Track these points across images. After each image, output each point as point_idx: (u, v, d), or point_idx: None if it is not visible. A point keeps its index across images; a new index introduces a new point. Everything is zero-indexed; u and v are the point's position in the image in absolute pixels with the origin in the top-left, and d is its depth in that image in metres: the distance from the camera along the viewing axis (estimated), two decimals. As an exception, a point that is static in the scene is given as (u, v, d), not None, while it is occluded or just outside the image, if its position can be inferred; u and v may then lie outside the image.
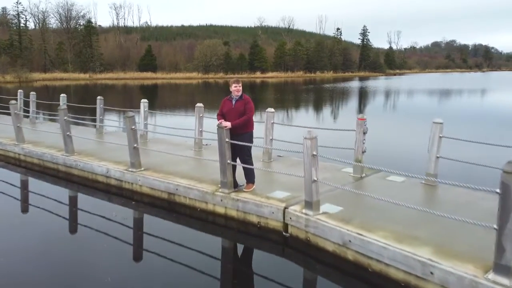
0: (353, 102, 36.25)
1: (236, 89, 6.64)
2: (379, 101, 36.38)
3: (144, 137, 11.53)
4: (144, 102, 11.62)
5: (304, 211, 5.78)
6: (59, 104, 14.42)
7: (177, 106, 31.61)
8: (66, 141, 9.57)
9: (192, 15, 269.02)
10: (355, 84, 67.40)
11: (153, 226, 6.89)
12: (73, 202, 8.31)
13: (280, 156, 9.54)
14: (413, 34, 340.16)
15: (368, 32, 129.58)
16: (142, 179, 7.97)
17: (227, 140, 6.59)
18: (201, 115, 10.32)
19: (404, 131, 18.29)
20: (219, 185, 6.98)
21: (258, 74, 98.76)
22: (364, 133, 7.72)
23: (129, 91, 54.15)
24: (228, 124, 6.54)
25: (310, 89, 55.14)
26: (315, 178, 5.60)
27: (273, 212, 6.14)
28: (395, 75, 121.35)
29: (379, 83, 72.81)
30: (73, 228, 6.88)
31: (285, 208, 6.06)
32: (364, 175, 7.81)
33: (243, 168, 6.86)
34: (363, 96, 43.15)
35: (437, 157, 7.23)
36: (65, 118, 9.41)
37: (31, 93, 15.59)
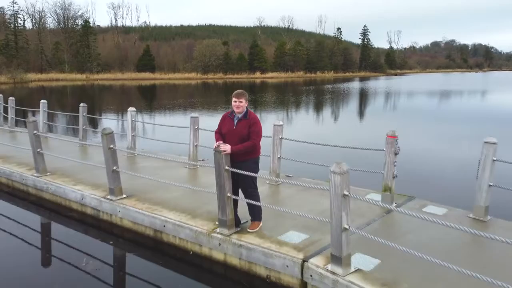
0: (361, 105, 34.58)
1: (236, 105, 5.09)
2: (387, 104, 34.80)
3: (131, 151, 10.02)
4: (131, 111, 10.07)
5: (330, 267, 4.31)
6: (45, 110, 12.96)
7: (175, 108, 30.09)
8: (37, 159, 8.09)
9: (191, 14, 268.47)
10: (357, 85, 65.89)
11: (137, 267, 5.70)
12: (45, 231, 7.05)
13: (289, 175, 8.09)
14: (413, 34, 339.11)
15: (369, 32, 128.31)
16: (123, 210, 6.48)
17: (226, 167, 5.12)
18: (196, 127, 8.88)
19: (429, 141, 15.85)
20: (217, 223, 5.52)
21: (257, 74, 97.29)
22: (396, 154, 6.29)
23: (126, 92, 52.75)
24: (227, 148, 5.05)
25: (311, 90, 53.64)
26: (346, 226, 4.14)
27: (287, 266, 4.66)
28: (396, 75, 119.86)
29: (381, 83, 71.31)
30: (46, 262, 5.81)
31: (304, 261, 4.58)
32: (394, 204, 6.35)
33: (247, 202, 5.40)
34: (369, 98, 41.50)
35: (490, 186, 5.80)
36: (35, 132, 7.94)
37: (10, 98, 14.09)
